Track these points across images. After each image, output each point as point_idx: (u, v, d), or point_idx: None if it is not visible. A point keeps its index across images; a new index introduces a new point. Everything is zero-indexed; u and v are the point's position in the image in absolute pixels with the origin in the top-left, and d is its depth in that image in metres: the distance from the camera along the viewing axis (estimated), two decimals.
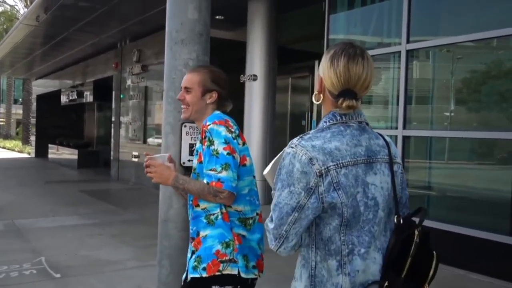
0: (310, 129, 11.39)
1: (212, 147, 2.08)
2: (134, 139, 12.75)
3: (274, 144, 8.96)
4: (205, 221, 2.16)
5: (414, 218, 1.60)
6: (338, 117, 1.54)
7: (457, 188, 5.80)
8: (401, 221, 1.54)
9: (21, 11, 29.84)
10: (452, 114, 5.99)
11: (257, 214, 2.22)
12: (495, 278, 4.77)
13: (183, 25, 2.82)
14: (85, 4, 9.59)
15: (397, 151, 1.67)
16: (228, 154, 2.07)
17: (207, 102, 2.26)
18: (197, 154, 2.22)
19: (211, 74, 2.29)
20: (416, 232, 1.50)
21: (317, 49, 8.79)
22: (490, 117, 5.50)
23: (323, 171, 1.44)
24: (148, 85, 12.07)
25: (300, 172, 1.45)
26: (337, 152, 1.47)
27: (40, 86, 22.15)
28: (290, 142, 1.53)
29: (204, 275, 2.09)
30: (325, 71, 1.55)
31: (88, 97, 16.49)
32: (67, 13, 10.34)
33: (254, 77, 8.37)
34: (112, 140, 14.09)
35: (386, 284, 1.47)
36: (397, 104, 5.93)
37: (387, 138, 1.65)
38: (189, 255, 2.28)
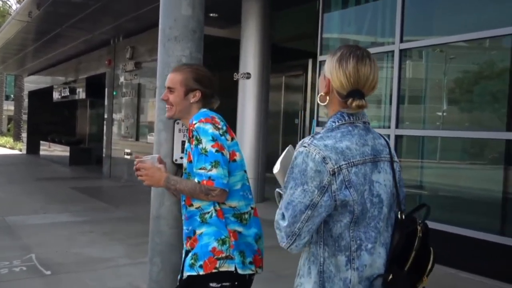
0: (303, 128, 11.45)
1: (200, 146, 2.07)
2: (127, 136, 12.70)
3: (267, 142, 8.97)
4: (199, 220, 2.15)
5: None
6: (346, 118, 1.60)
7: (448, 187, 5.83)
8: (403, 217, 1.62)
9: (14, 7, 29.64)
10: (445, 114, 6.01)
11: (252, 208, 2.22)
12: (485, 277, 4.80)
13: (176, 21, 2.80)
14: (78, 0, 9.53)
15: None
16: (216, 151, 2.07)
17: (191, 101, 2.26)
18: (186, 154, 2.21)
19: (194, 73, 2.28)
20: (419, 228, 1.60)
21: (311, 48, 8.81)
22: (482, 117, 5.53)
23: (335, 169, 1.50)
24: (141, 82, 12.03)
25: (314, 171, 1.49)
26: (348, 152, 1.54)
27: (32, 83, 22.01)
28: (301, 142, 1.57)
29: (201, 272, 2.08)
30: (333, 72, 1.60)
31: (81, 94, 16.40)
32: (60, 9, 10.27)
33: (248, 75, 8.37)
34: (105, 137, 14.03)
35: (390, 277, 1.54)
36: (390, 103, 5.95)
37: (386, 138, 1.73)
38: (184, 255, 2.27)
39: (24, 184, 11.48)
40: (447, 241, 5.16)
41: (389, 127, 5.90)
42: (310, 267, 1.60)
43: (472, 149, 5.67)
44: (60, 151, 17.23)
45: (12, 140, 27.59)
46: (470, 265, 4.98)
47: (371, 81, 1.59)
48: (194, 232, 2.17)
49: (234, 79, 8.57)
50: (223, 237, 2.10)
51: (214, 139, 2.08)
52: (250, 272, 2.15)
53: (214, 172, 2.04)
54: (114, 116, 13.53)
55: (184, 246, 2.25)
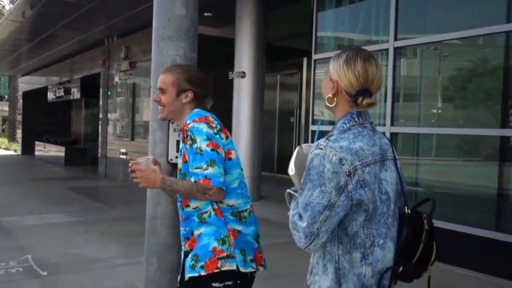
0: (299, 127, 11.46)
1: (195, 145, 2.07)
2: (122, 136, 12.67)
3: (263, 141, 8.97)
4: (197, 220, 2.14)
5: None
6: (356, 119, 1.67)
7: (444, 184, 5.86)
8: (409, 212, 1.70)
9: (7, 7, 29.48)
10: (439, 111, 6.04)
11: (250, 206, 2.22)
12: (481, 273, 4.83)
13: (170, 21, 2.80)
14: (72, 0, 9.49)
15: None
16: (212, 150, 2.07)
17: (183, 102, 2.25)
18: (181, 154, 2.20)
19: (185, 73, 2.28)
20: (425, 221, 1.70)
21: (305, 47, 8.82)
22: (477, 114, 5.55)
23: (351, 170, 1.57)
24: (136, 82, 12.00)
25: (331, 172, 1.55)
26: (362, 152, 1.61)
27: (26, 83, 21.92)
28: (316, 144, 1.62)
29: (203, 273, 2.07)
30: (341, 74, 1.67)
31: (75, 94, 16.35)
32: (53, 9, 10.23)
33: (243, 74, 8.37)
34: (100, 137, 14.00)
35: (401, 269, 1.64)
36: (385, 101, 5.96)
37: (387, 137, 1.81)
38: (183, 256, 2.26)
39: (19, 185, 11.45)
40: (443, 237, 5.17)
41: (384, 125, 5.92)
42: (325, 265, 1.65)
43: (467, 146, 5.70)
44: (55, 151, 17.18)
45: (7, 141, 27.47)
46: (466, 261, 5.01)
47: (377, 80, 1.68)
48: (192, 233, 2.16)
49: (229, 78, 8.57)
50: (222, 236, 2.10)
51: (208, 138, 2.08)
52: (252, 270, 2.15)
53: (210, 171, 2.04)
54: (109, 116, 13.50)
55: (183, 247, 2.24)
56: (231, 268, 2.08)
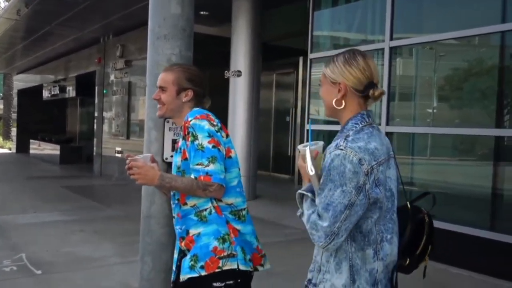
0: (295, 126, 11.47)
1: (196, 142, 2.07)
2: (117, 134, 12.64)
3: (258, 140, 8.97)
4: (195, 218, 2.13)
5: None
6: (367, 119, 1.73)
7: (439, 183, 5.87)
8: (409, 207, 1.79)
9: (2, 5, 29.35)
10: (435, 111, 6.05)
11: (246, 205, 2.22)
12: (475, 272, 4.84)
13: (165, 20, 2.80)
14: None
15: None
16: (213, 147, 2.07)
17: (183, 100, 2.25)
18: (180, 152, 2.19)
19: (185, 72, 2.28)
20: (426, 216, 1.80)
21: (302, 46, 8.82)
22: (472, 114, 5.57)
23: (369, 170, 1.62)
24: (131, 80, 11.98)
25: (352, 172, 1.59)
26: (376, 152, 1.66)
27: (21, 81, 21.83)
28: (336, 145, 1.65)
29: (203, 273, 2.06)
30: (345, 73, 1.72)
31: (71, 92, 16.31)
32: (49, 7, 10.19)
33: (239, 73, 8.36)
34: (95, 135, 13.96)
35: (407, 261, 1.74)
36: (380, 100, 5.97)
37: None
38: (176, 255, 2.25)
39: (14, 183, 11.40)
40: (438, 237, 5.19)
41: (379, 124, 5.93)
42: (338, 263, 1.68)
43: (462, 145, 5.72)
44: (50, 149, 17.12)
45: (1, 139, 27.36)
46: (460, 260, 5.02)
47: (377, 72, 1.76)
48: (188, 232, 2.14)
49: (225, 77, 8.56)
50: (222, 235, 2.09)
51: (210, 135, 2.08)
52: (250, 269, 2.15)
53: (211, 167, 2.04)
54: (105, 114, 13.47)
55: (178, 245, 2.22)
56: (232, 267, 2.07)
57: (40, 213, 7.60)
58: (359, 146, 1.63)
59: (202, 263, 2.07)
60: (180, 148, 2.19)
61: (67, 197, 9.41)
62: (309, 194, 1.70)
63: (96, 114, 13.97)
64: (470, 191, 5.55)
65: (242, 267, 2.09)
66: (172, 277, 2.28)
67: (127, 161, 2.17)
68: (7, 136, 26.96)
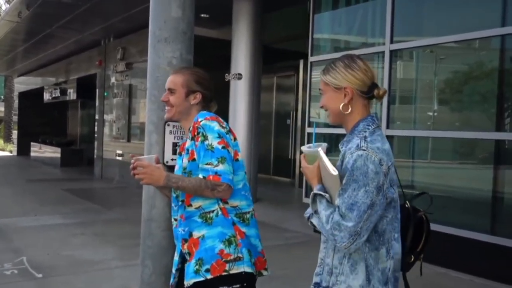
0: (295, 128, 11.47)
1: (206, 142, 2.08)
2: (118, 137, 12.65)
3: (259, 143, 8.97)
4: (199, 220, 2.12)
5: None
6: (376, 121, 1.79)
7: (439, 187, 5.87)
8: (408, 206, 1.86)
9: (3, 7, 29.40)
10: (435, 114, 6.05)
11: (252, 209, 2.22)
12: (475, 276, 4.84)
13: (166, 23, 2.81)
14: (68, 1, 9.48)
15: None
16: (223, 148, 2.08)
17: (191, 103, 2.26)
18: (187, 153, 2.18)
19: (194, 75, 2.29)
20: (423, 215, 1.86)
21: (302, 49, 8.82)
22: (472, 117, 5.57)
23: (386, 170, 1.66)
24: (132, 83, 11.99)
25: (374, 173, 1.62)
26: (390, 153, 1.72)
27: (22, 83, 21.86)
28: (357, 146, 1.68)
29: (209, 277, 2.05)
30: (349, 77, 1.75)
31: (72, 94, 16.32)
32: (50, 10, 10.20)
33: (239, 76, 8.37)
34: (96, 138, 13.97)
35: (412, 258, 1.81)
36: (381, 104, 5.97)
37: None
38: (177, 258, 2.24)
39: (15, 186, 11.40)
40: (438, 240, 5.18)
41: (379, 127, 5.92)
42: (353, 264, 1.70)
43: (463, 149, 5.71)
44: (51, 152, 17.13)
45: (2, 142, 27.37)
46: (461, 264, 5.01)
47: (376, 73, 1.81)
48: (191, 234, 2.13)
49: (226, 80, 8.57)
50: (227, 237, 2.08)
51: (220, 136, 2.10)
52: (254, 272, 2.15)
53: (220, 167, 2.04)
54: (106, 117, 13.47)
55: (179, 248, 2.21)
56: (239, 271, 2.07)
57: (40, 216, 7.59)
58: (377, 147, 1.67)
59: (207, 266, 2.06)
60: (188, 149, 2.18)
61: (68, 200, 9.41)
62: (326, 195, 1.70)
63: (97, 117, 13.98)
64: (470, 195, 5.55)
65: (248, 270, 2.08)
66: (171, 280, 2.27)
67: (132, 161, 2.15)
68: (8, 139, 26.97)
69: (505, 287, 4.60)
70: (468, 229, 5.05)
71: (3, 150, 24.92)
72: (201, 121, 2.12)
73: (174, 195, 2.26)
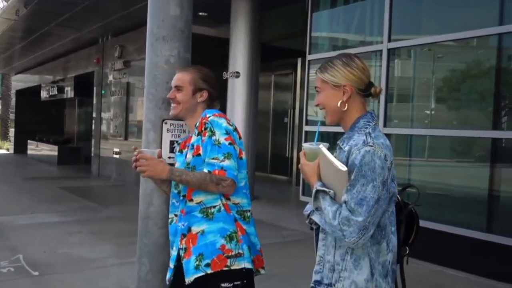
0: (293, 127, 11.48)
1: (213, 137, 2.10)
2: (116, 135, 12.63)
3: (257, 141, 8.97)
4: (199, 215, 2.13)
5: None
6: (375, 118, 1.82)
7: (436, 185, 5.88)
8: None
9: (0, 5, 29.31)
10: (432, 112, 6.06)
11: (251, 208, 2.24)
12: (471, 274, 4.86)
13: (164, 21, 2.80)
14: None
15: None
16: (229, 144, 2.11)
17: (198, 101, 2.29)
18: (192, 148, 2.19)
19: (201, 73, 2.32)
20: (413, 208, 1.88)
21: (300, 47, 8.82)
22: (469, 115, 5.58)
23: (390, 165, 1.70)
24: (130, 81, 11.97)
25: (381, 168, 1.66)
26: (391, 148, 1.75)
27: (19, 81, 21.80)
28: (363, 141, 1.69)
29: (209, 271, 2.05)
30: (348, 75, 1.78)
31: (69, 92, 16.28)
32: (48, 7, 10.18)
33: (237, 74, 8.37)
34: (93, 136, 13.94)
35: (407, 250, 1.84)
36: (378, 102, 5.98)
37: None
38: (174, 253, 2.23)
39: (11, 184, 11.38)
40: (434, 238, 5.21)
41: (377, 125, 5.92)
42: (356, 260, 1.72)
43: (460, 147, 5.73)
44: (48, 150, 17.10)
45: None
46: (457, 262, 5.03)
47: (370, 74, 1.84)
48: (189, 229, 2.14)
49: (224, 78, 8.56)
50: (229, 233, 2.09)
51: (227, 132, 2.13)
52: (254, 269, 2.16)
53: (226, 163, 2.07)
54: (103, 115, 13.45)
55: (177, 243, 2.20)
56: (240, 267, 2.07)
57: (37, 214, 7.58)
58: (382, 142, 1.70)
59: (208, 261, 2.06)
60: (193, 145, 2.20)
61: (64, 198, 9.39)
62: (331, 191, 1.71)
63: (94, 115, 13.96)
64: (466, 193, 5.56)
65: (248, 266, 2.09)
66: (168, 275, 2.27)
67: (135, 153, 2.16)
68: (5, 137, 26.92)
69: (500, 285, 4.62)
70: (463, 227, 5.06)
71: (0, 148, 24.86)
72: (209, 117, 2.15)
73: (175, 191, 2.26)
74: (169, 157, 2.70)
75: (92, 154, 13.90)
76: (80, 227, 6.71)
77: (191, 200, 2.15)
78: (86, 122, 17.86)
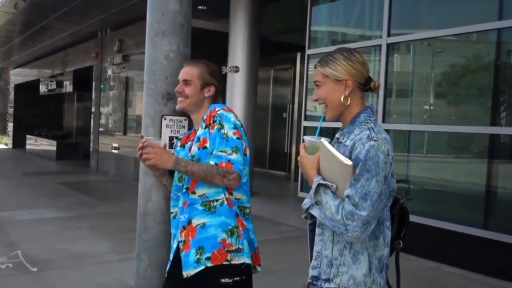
0: (292, 122, 11.46)
1: (222, 131, 2.11)
2: (114, 130, 12.62)
3: (255, 136, 8.96)
4: (201, 208, 2.12)
5: None
6: (375, 112, 1.82)
7: (433, 181, 5.88)
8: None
9: None
10: (431, 108, 6.05)
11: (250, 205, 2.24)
12: (468, 271, 4.86)
13: (164, 16, 2.78)
14: None
15: None
16: (237, 138, 2.12)
17: (205, 95, 2.30)
18: (198, 141, 2.19)
19: (208, 68, 2.33)
20: (404, 203, 1.88)
21: (299, 42, 8.80)
22: (468, 111, 5.57)
23: (391, 160, 1.71)
24: (129, 75, 11.94)
25: (384, 163, 1.66)
26: (391, 143, 1.75)
27: (18, 75, 21.76)
28: (367, 136, 1.69)
29: (209, 264, 2.05)
30: (350, 69, 1.77)
31: (68, 87, 16.25)
32: (46, 1, 10.15)
33: (236, 69, 8.34)
34: (92, 131, 13.92)
35: (401, 244, 1.85)
36: (377, 97, 5.96)
37: None
38: (174, 245, 2.22)
39: (10, 179, 11.37)
40: (431, 235, 5.21)
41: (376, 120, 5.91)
42: (355, 255, 1.71)
43: (458, 143, 5.72)
44: (47, 145, 17.08)
45: None
46: (453, 258, 5.04)
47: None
48: (190, 222, 2.13)
49: (223, 72, 8.54)
50: (230, 227, 2.09)
51: (235, 127, 2.14)
52: (252, 265, 2.16)
53: (234, 156, 2.07)
54: (102, 109, 13.43)
55: (177, 235, 2.19)
56: (240, 262, 2.08)
57: (36, 210, 7.58)
58: (384, 137, 1.71)
59: (208, 254, 2.06)
60: (199, 137, 2.20)
61: (63, 193, 9.39)
62: (333, 185, 1.69)
63: (93, 110, 13.93)
64: (464, 189, 5.56)
65: (248, 261, 2.10)
66: (168, 268, 2.27)
67: (143, 141, 2.15)
68: (3, 132, 26.88)
69: (496, 281, 4.63)
70: (460, 223, 5.06)
71: None
72: (218, 110, 2.16)
73: (179, 184, 2.25)
74: None
75: (91, 149, 13.88)
76: (79, 223, 6.71)
77: (194, 192, 2.15)
78: (85, 116, 17.83)
